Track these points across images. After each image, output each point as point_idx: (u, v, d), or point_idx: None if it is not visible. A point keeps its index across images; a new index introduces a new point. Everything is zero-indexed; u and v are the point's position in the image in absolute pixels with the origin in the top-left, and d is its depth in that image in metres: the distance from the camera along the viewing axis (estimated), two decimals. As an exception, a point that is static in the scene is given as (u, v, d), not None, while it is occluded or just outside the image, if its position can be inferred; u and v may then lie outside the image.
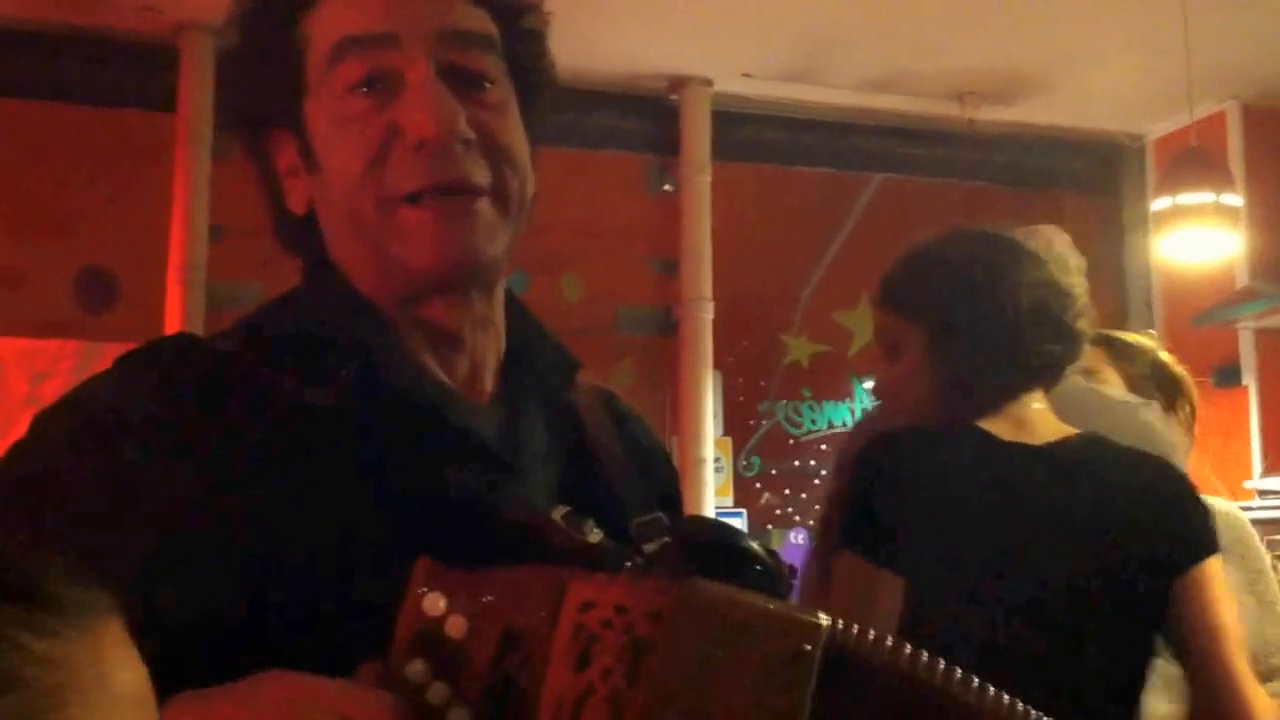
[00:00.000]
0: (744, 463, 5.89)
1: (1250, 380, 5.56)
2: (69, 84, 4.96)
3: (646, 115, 5.65)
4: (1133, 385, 2.53)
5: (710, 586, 0.81)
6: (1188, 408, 2.56)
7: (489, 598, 0.86)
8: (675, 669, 0.79)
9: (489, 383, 1.09)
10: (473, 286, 1.06)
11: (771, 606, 0.82)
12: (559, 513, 0.93)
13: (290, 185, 1.08)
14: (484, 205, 1.02)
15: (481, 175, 1.02)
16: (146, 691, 0.71)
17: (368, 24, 1.02)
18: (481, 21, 1.06)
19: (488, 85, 1.04)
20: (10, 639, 0.65)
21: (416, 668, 0.85)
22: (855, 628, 0.83)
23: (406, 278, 1.03)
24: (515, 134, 1.06)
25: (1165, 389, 2.54)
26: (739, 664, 0.79)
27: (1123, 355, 2.58)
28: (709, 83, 5.55)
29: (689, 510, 1.27)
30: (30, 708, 0.64)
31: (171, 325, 4.68)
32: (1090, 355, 2.67)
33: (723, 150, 5.64)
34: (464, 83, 1.03)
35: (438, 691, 0.85)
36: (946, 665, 0.85)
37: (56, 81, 4.95)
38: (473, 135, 1.01)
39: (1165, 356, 2.60)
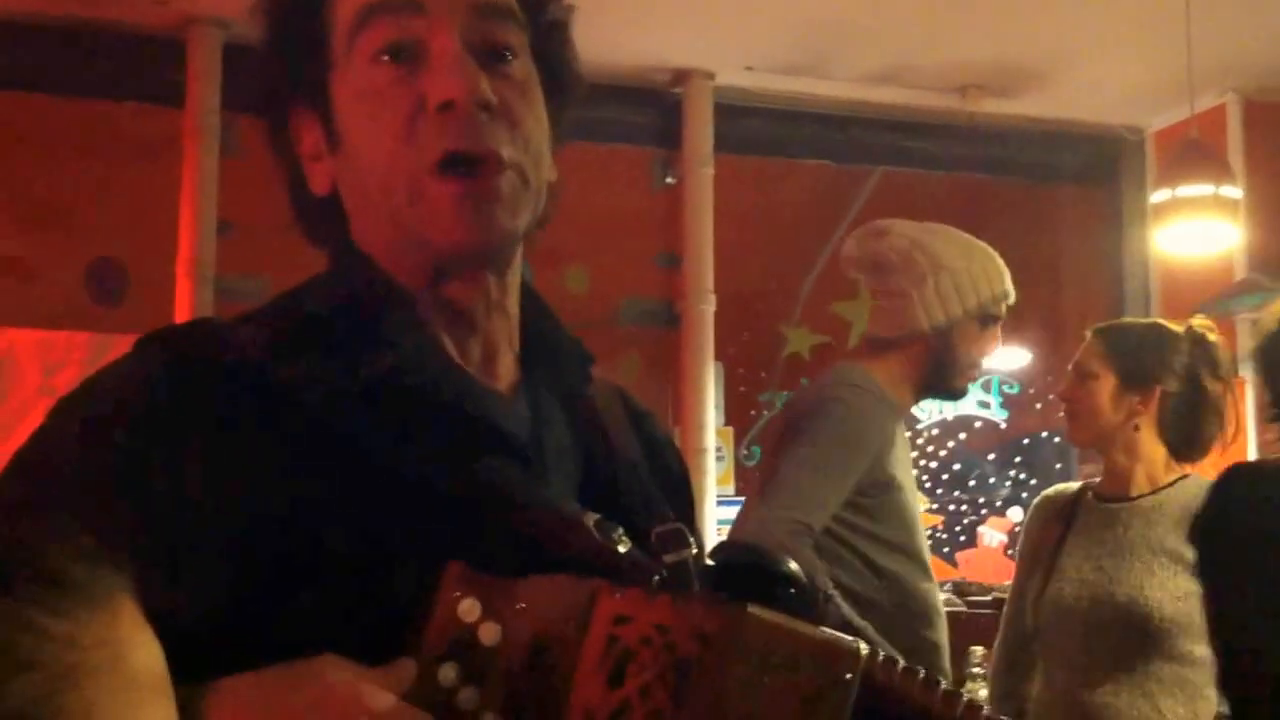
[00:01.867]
0: (745, 452, 5.91)
1: (1248, 373, 5.55)
2: (76, 78, 4.96)
3: (649, 108, 5.65)
4: (1139, 373, 2.54)
5: (761, 614, 0.82)
6: (1228, 394, 2.58)
7: (521, 605, 0.86)
8: (723, 692, 0.80)
9: (504, 372, 1.08)
10: (489, 264, 1.04)
11: (816, 634, 0.84)
12: (591, 519, 0.94)
13: (312, 168, 1.07)
14: (507, 178, 1.01)
15: (503, 146, 1.00)
16: (161, 671, 0.71)
17: None
18: None
19: (510, 57, 1.04)
20: (27, 619, 0.66)
21: (448, 672, 0.85)
22: (881, 656, 0.85)
23: (430, 254, 1.02)
24: (535, 112, 1.05)
25: (1207, 372, 2.56)
26: (786, 689, 0.81)
27: (1123, 343, 2.60)
28: (711, 76, 5.55)
29: (694, 500, 1.26)
30: (46, 687, 0.65)
31: (181, 318, 4.65)
32: (1084, 349, 2.71)
33: (724, 143, 5.64)
34: (488, 54, 1.02)
35: (468, 697, 0.85)
36: (965, 698, 0.87)
37: (63, 75, 4.94)
38: (494, 101, 1.00)
39: (1213, 338, 2.62)
